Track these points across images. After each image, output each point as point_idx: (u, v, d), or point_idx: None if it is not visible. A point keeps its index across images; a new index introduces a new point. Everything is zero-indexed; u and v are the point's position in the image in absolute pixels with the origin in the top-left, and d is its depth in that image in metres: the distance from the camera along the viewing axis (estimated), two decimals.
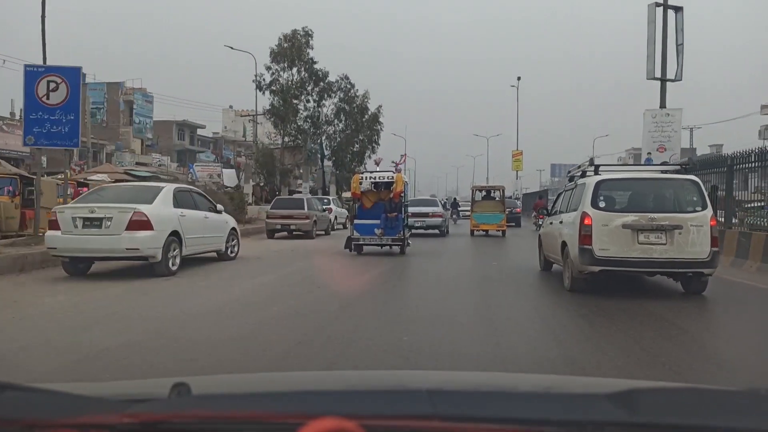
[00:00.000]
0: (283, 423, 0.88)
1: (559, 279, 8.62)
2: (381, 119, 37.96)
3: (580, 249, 7.47)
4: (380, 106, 38.03)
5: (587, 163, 8.66)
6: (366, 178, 14.03)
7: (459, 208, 30.87)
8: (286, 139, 36.55)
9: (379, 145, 38.03)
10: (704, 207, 7.31)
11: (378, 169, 14.07)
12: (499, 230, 20.45)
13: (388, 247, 13.50)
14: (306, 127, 35.96)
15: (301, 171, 36.64)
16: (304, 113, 36.19)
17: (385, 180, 13.76)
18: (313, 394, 1.17)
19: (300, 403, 0.99)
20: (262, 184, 36.56)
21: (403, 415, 0.85)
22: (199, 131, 56.98)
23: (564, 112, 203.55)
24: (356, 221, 13.48)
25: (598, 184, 7.64)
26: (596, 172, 8.04)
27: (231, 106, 73.59)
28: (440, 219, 20.00)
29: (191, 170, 40.19)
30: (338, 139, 37.55)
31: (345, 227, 20.85)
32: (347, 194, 41.44)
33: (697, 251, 7.14)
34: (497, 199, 21.28)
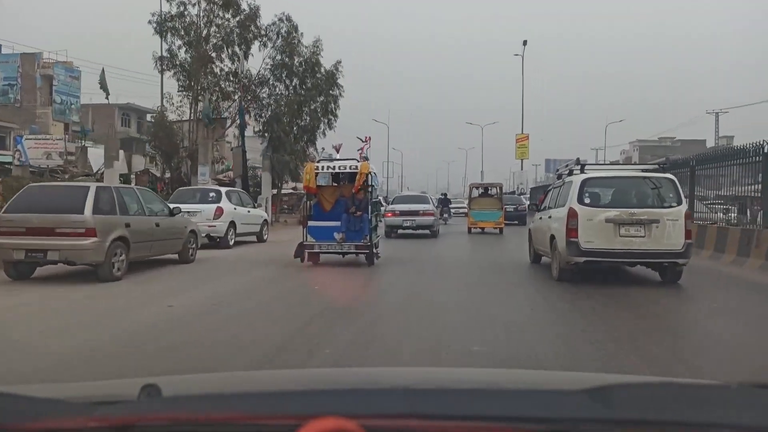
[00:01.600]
0: (260, 424, 0.86)
1: (548, 269, 9.31)
2: (340, 80, 26.79)
3: (567, 242, 8.15)
4: (339, 62, 26.83)
5: (574, 163, 9.33)
6: (323, 168, 10.91)
7: (450, 206, 28.28)
8: (200, 106, 25.12)
9: (337, 117, 27.07)
10: (679, 202, 8.02)
11: (338, 157, 11.25)
12: (496, 228, 20.18)
13: (353, 255, 10.82)
14: (230, 90, 25.58)
15: (217, 151, 27.66)
16: (227, 69, 25.51)
17: (348, 171, 10.85)
18: (293, 393, 1.12)
19: (277, 403, 0.96)
20: (160, 171, 26.25)
21: (365, 414, 0.82)
22: (150, 117, 43.49)
23: (573, 98, 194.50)
24: (311, 223, 10.74)
25: (584, 182, 8.32)
26: (582, 171, 8.72)
27: None
28: (431, 218, 18.17)
29: (19, 146, 27.78)
30: (276, 106, 25.99)
31: (266, 237, 16.44)
32: (297, 186, 32.16)
33: (672, 243, 7.84)
34: (495, 196, 21.19)
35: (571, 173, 9.15)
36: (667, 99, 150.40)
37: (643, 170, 9.02)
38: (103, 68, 31.50)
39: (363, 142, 15.48)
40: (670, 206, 8.00)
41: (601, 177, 8.64)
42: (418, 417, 0.82)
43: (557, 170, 10.84)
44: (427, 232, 18.17)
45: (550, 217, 9.28)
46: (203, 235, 12.87)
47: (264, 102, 26.35)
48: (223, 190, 15.11)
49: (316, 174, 10.79)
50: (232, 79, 25.61)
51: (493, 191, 21.56)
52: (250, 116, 26.15)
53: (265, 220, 16.67)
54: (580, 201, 8.21)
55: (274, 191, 26.83)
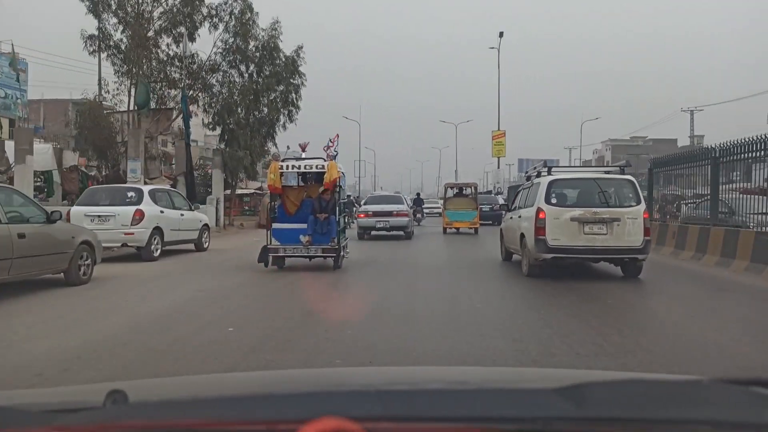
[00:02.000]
0: (233, 431, 0.83)
1: (518, 267, 9.84)
2: (302, 68, 23.85)
3: (535, 239, 8.67)
4: (300, 48, 23.80)
5: (542, 165, 9.88)
6: (289, 167, 10.38)
7: (423, 206, 27.67)
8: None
9: (299, 108, 24.09)
10: (638, 202, 8.60)
11: (305, 156, 10.65)
12: (471, 228, 20.24)
13: (321, 258, 10.28)
14: (177, 77, 22.55)
15: (160, 146, 24.38)
16: (172, 53, 22.46)
17: (315, 170, 10.45)
18: (267, 397, 1.07)
19: (250, 407, 0.91)
20: (88, 168, 22.90)
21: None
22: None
23: (548, 96, 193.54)
24: (275, 225, 10.37)
25: (551, 184, 8.86)
26: (549, 173, 9.26)
27: None
28: (406, 219, 17.82)
29: None
30: (229, 95, 22.75)
31: (208, 244, 14.31)
32: (254, 185, 31.82)
33: (632, 240, 8.42)
34: (470, 196, 21.32)
35: (539, 175, 9.69)
36: (643, 97, 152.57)
37: (605, 172, 9.62)
38: (12, 42, 28.26)
39: (330, 143, 14.87)
40: (630, 206, 8.58)
41: (566, 179, 9.21)
42: (389, 419, 0.79)
43: (526, 172, 11.41)
44: (401, 233, 17.93)
45: (520, 216, 9.80)
46: (118, 245, 11.29)
47: (215, 91, 23.09)
48: (146, 189, 12.59)
49: (281, 174, 10.34)
50: (178, 64, 22.40)
51: (468, 191, 21.73)
52: (197, 106, 23.21)
53: (206, 225, 14.25)
54: (548, 201, 8.73)
55: (228, 191, 24.47)
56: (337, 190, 10.40)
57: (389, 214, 17.66)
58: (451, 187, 22.37)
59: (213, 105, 23.03)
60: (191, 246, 13.66)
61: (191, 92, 22.63)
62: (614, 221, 8.44)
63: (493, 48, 38.49)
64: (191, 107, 22.55)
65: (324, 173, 10.17)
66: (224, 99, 22.77)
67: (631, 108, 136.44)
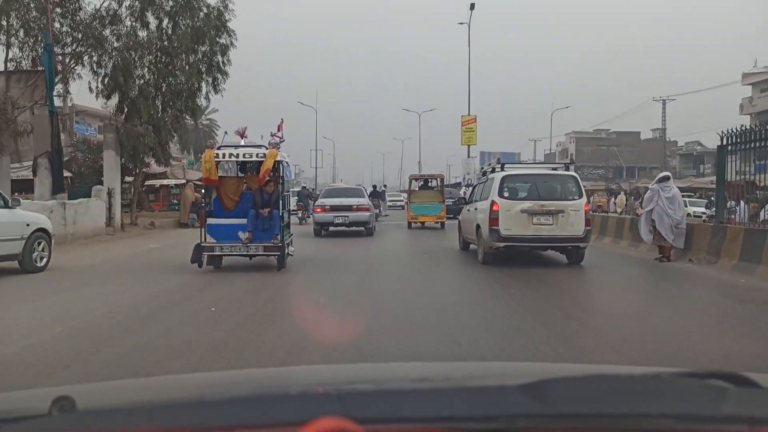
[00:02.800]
0: None
1: (474, 255, 10.74)
2: (231, 23, 19.22)
3: (490, 230, 9.56)
4: None
5: (496, 162, 10.81)
6: (226, 155, 9.40)
7: (383, 199, 25.96)
8: (16, 54, 17.63)
9: (227, 75, 19.41)
10: (580, 196, 9.60)
11: (243, 143, 9.62)
12: (437, 222, 19.17)
13: (264, 257, 9.42)
14: (65, 30, 17.98)
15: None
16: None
17: (255, 159, 9.46)
18: (222, 402, 0.98)
19: (207, 413, 0.85)
20: None
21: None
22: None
23: (517, 83, 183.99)
24: (210, 221, 9.37)
25: (504, 179, 9.78)
26: (503, 169, 10.18)
27: None
28: (367, 213, 16.54)
29: None
30: (125, 50, 17.85)
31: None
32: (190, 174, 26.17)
33: (575, 230, 9.41)
34: (436, 188, 20.40)
35: (493, 171, 10.59)
36: (613, 85, 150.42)
37: (552, 169, 10.61)
38: None
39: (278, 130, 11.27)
40: (573, 199, 9.57)
41: (517, 174, 10.15)
42: (355, 421, 0.77)
43: (482, 168, 12.37)
44: (361, 229, 16.63)
45: (476, 209, 10.69)
46: None
47: (109, 48, 17.97)
48: None
49: (217, 163, 9.35)
50: (59, 11, 17.55)
51: (434, 183, 20.88)
52: (82, 64, 18.08)
53: (42, 231, 9.42)
54: (501, 195, 9.64)
55: (131, 179, 20.11)
56: (281, 182, 9.55)
57: (348, 208, 16.30)
58: (416, 179, 21.62)
59: (103, 64, 17.93)
60: (13, 264, 9.00)
61: (76, 47, 17.93)
62: (559, 213, 9.40)
63: (462, 23, 34.31)
64: (76, 68, 18.09)
65: (258, 164, 9.26)
66: (120, 56, 17.57)
67: (607, 95, 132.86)
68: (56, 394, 0.90)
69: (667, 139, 59.26)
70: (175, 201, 25.01)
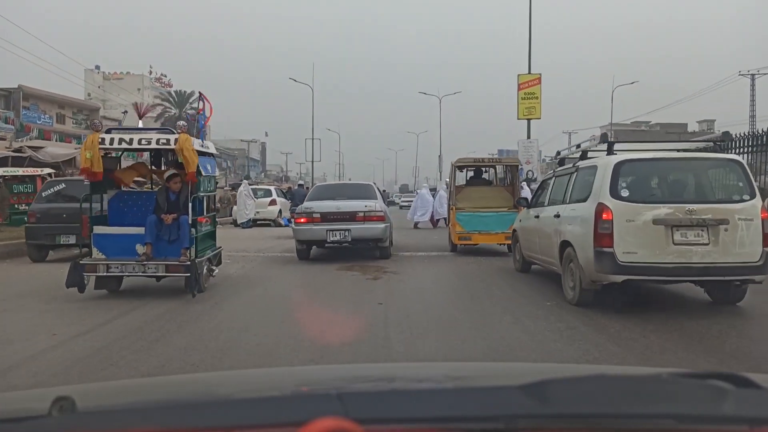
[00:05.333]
0: None
1: (548, 282, 6.80)
2: None
3: (595, 252, 5.63)
4: None
5: (599, 139, 6.84)
6: (117, 141, 6.75)
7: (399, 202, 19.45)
8: None
9: None
10: (752, 195, 5.66)
11: (140, 127, 7.02)
12: (505, 243, 10.77)
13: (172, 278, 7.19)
14: None
15: None
16: None
17: (156, 147, 6.95)
18: (220, 402, 1.00)
19: (208, 413, 0.84)
20: None
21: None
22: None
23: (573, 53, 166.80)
24: (97, 229, 7.05)
25: (618, 166, 5.81)
26: (610, 151, 6.22)
27: (97, 67, 62.08)
28: (381, 226, 10.17)
29: None
30: None
31: None
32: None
33: (747, 252, 5.49)
34: (502, 184, 12.49)
35: (585, 155, 6.66)
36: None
37: (695, 150, 6.67)
38: None
39: (200, 102, 8.85)
40: (741, 200, 5.66)
41: (642, 159, 6.09)
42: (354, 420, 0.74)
43: (558, 152, 8.27)
44: (368, 246, 10.52)
45: (557, 215, 6.74)
46: None
47: None
48: None
49: (104, 152, 6.84)
50: None
51: (499, 173, 12.88)
52: None
53: None
54: (614, 194, 5.70)
55: None
56: (199, 178, 6.92)
57: (350, 217, 10.13)
58: (460, 168, 12.65)
59: None
60: None
61: None
62: (720, 224, 5.50)
63: None
64: None
65: (174, 154, 6.82)
66: None
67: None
68: (56, 394, 0.88)
69: (714, 130, 42.50)
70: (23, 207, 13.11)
